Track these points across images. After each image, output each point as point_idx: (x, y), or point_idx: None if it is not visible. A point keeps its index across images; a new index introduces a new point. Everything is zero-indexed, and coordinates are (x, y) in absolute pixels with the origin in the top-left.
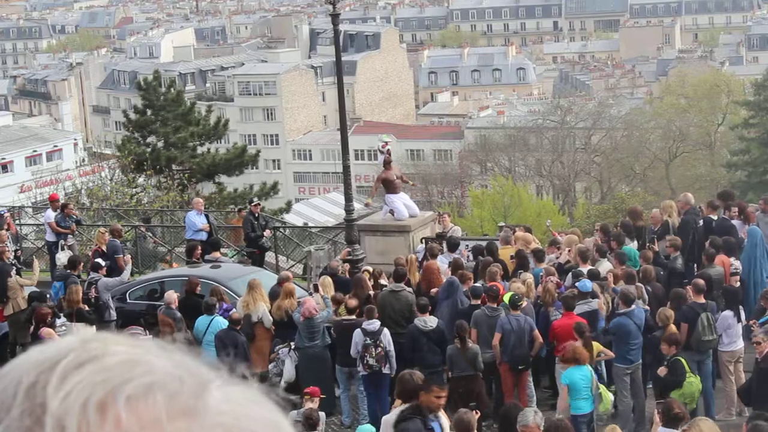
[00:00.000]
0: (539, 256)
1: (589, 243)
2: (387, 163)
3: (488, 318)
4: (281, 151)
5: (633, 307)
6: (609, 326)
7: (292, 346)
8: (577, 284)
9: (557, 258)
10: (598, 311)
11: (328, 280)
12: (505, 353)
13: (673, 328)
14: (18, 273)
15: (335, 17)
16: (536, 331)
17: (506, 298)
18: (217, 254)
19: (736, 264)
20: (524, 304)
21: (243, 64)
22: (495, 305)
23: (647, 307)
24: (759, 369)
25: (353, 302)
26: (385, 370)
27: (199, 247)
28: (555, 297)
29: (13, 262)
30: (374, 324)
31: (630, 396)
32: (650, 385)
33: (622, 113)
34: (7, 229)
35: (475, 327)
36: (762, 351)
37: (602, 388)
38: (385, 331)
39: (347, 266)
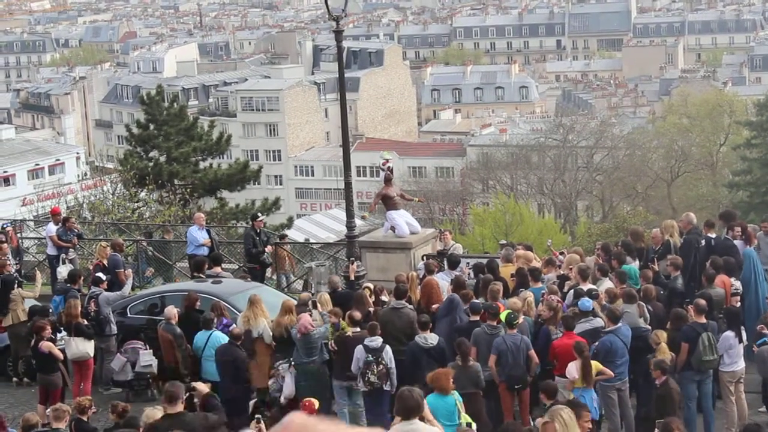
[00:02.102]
0: (535, 275)
1: (589, 262)
2: (387, 180)
3: (488, 336)
4: (283, 166)
5: (619, 324)
6: (596, 346)
7: (292, 362)
8: (579, 304)
9: (557, 277)
10: (599, 330)
11: (326, 296)
12: (501, 373)
13: (664, 347)
14: (19, 286)
15: (339, 34)
16: (532, 351)
17: (502, 316)
18: (218, 269)
19: (737, 284)
20: (520, 320)
21: (246, 79)
22: (495, 323)
23: (649, 327)
24: (656, 396)
25: (357, 314)
26: (386, 387)
27: (205, 263)
28: (560, 316)
29: (14, 275)
30: (376, 341)
31: (618, 414)
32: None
33: (624, 132)
34: (8, 243)
35: (474, 345)
36: (659, 378)
37: (465, 417)
38: (387, 348)
39: (355, 266)
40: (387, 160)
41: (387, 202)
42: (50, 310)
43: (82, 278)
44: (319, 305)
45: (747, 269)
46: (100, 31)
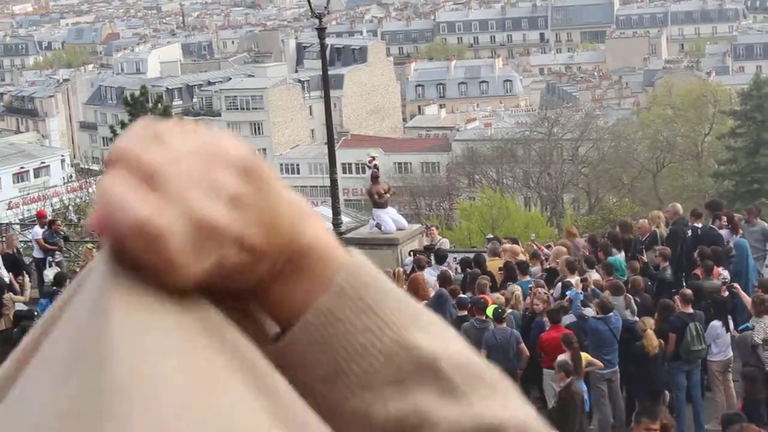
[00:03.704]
0: (523, 268)
1: (579, 242)
2: (375, 178)
3: (477, 330)
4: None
5: (610, 314)
6: (585, 327)
7: None
8: (568, 293)
9: (545, 270)
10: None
11: None
12: None
13: (650, 334)
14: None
15: (322, 31)
16: (522, 344)
17: (489, 311)
18: None
19: (725, 273)
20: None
21: (230, 78)
22: (483, 317)
23: (636, 318)
24: (558, 399)
25: None
26: None
27: None
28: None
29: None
30: None
31: (608, 404)
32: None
33: (609, 124)
34: None
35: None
36: (563, 380)
37: None
38: None
39: None
40: (374, 158)
41: (374, 200)
42: (36, 314)
43: (69, 281)
44: None
45: (739, 259)
46: (83, 32)
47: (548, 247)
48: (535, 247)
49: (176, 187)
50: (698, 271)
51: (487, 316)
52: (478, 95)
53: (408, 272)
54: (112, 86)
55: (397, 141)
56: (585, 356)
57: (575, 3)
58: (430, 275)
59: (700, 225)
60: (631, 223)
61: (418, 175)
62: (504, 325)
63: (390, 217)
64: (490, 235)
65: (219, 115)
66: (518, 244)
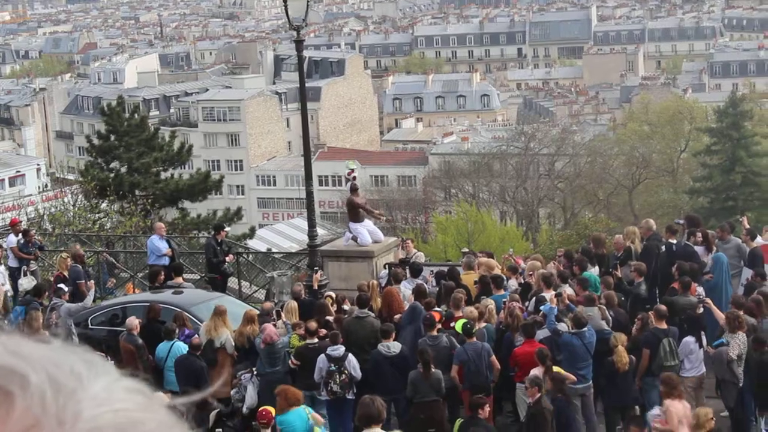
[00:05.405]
0: (498, 282)
1: (550, 269)
2: (354, 190)
3: (429, 346)
4: (245, 176)
5: (584, 329)
6: (559, 341)
7: (254, 372)
8: (542, 308)
9: (519, 284)
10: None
11: (293, 305)
12: (465, 381)
13: (621, 350)
14: None
15: (299, 44)
16: (493, 357)
17: (458, 326)
18: (179, 279)
19: (700, 290)
20: (479, 326)
21: (207, 89)
22: (434, 332)
23: (611, 330)
24: (530, 414)
25: (313, 324)
26: (349, 396)
27: (162, 273)
28: (521, 322)
29: None
30: (339, 350)
31: (580, 421)
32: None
33: (585, 140)
34: None
35: None
36: (533, 396)
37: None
38: (350, 356)
39: (318, 276)
40: (352, 170)
41: (351, 213)
42: (8, 322)
43: (47, 293)
44: (284, 314)
45: (717, 274)
46: (60, 42)
47: (526, 259)
48: (513, 261)
49: None
50: (676, 286)
51: (438, 331)
52: (456, 109)
53: (383, 285)
54: (89, 96)
55: (373, 154)
56: (558, 371)
57: (553, 19)
58: (405, 288)
59: (675, 241)
60: (604, 238)
61: (394, 188)
62: (474, 339)
63: (366, 230)
64: (466, 249)
65: (196, 126)
66: (493, 258)
